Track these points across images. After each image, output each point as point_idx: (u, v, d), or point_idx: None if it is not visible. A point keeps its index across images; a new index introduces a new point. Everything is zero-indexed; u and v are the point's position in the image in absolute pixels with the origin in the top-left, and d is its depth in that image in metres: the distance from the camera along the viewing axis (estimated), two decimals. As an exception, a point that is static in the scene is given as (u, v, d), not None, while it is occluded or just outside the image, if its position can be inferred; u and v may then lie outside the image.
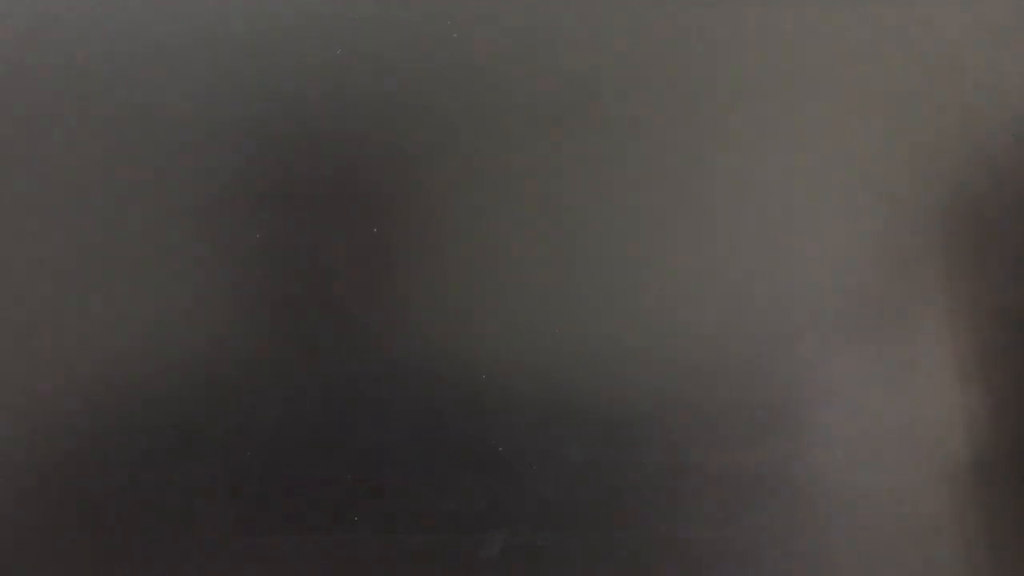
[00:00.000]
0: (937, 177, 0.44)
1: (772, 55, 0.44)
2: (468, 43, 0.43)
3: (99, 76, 0.43)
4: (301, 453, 0.42)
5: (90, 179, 0.42)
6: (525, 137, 0.43)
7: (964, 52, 0.45)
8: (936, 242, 0.44)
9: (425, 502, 0.42)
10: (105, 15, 0.43)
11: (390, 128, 0.43)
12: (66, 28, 0.43)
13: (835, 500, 0.43)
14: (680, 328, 0.43)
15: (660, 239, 0.43)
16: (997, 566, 0.43)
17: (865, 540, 0.43)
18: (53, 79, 0.42)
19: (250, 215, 0.42)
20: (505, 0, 0.44)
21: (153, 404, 0.41)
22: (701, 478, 0.42)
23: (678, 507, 0.42)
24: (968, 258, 0.44)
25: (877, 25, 0.45)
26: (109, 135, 0.42)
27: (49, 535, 0.41)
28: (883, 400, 0.43)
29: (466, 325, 0.42)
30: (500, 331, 0.42)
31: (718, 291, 0.43)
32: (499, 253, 0.43)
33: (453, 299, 0.42)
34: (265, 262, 0.42)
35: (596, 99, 0.44)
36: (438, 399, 0.42)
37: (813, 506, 0.43)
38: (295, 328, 0.42)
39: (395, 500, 0.42)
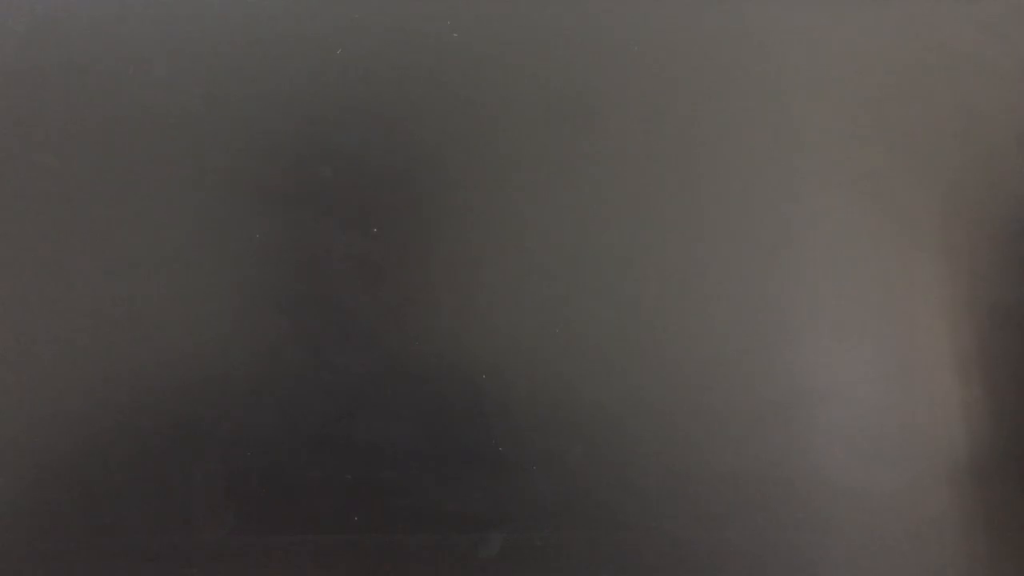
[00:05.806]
0: (937, 177, 0.44)
1: (772, 55, 0.44)
2: (468, 43, 0.43)
3: (99, 76, 0.43)
4: (301, 453, 0.42)
5: (90, 179, 0.42)
6: (525, 137, 0.43)
7: (964, 51, 0.45)
8: (936, 242, 0.44)
9: (425, 502, 0.42)
10: (105, 15, 0.43)
11: (390, 128, 0.43)
12: (66, 28, 0.43)
13: (835, 500, 0.43)
14: (680, 328, 0.43)
15: (660, 240, 0.43)
16: (997, 566, 0.43)
17: (865, 540, 0.43)
18: (53, 79, 0.42)
19: (250, 215, 0.42)
20: (505, 0, 0.44)
21: (153, 404, 0.41)
22: (701, 478, 0.42)
23: (678, 507, 0.42)
24: (968, 258, 0.44)
25: (876, 24, 0.45)
26: (109, 135, 0.42)
27: (49, 535, 0.41)
28: (883, 400, 0.43)
29: (466, 325, 0.42)
30: (500, 331, 0.42)
31: (718, 291, 0.43)
32: (499, 253, 0.43)
33: (453, 299, 0.42)
34: (265, 262, 0.42)
35: (596, 99, 0.44)
36: (438, 399, 0.42)
37: (813, 506, 0.43)
38: (295, 328, 0.42)
39: (395, 500, 0.42)
